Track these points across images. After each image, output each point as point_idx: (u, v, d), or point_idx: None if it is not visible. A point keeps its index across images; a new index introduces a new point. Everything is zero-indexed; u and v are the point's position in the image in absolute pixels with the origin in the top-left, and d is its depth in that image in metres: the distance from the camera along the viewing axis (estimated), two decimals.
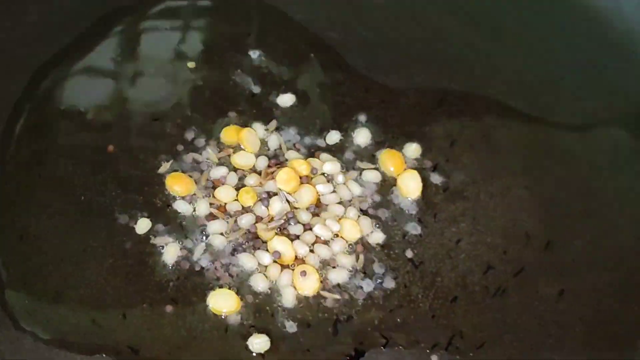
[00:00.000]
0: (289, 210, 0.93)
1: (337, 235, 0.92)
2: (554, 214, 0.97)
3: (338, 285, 0.90)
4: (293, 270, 0.89)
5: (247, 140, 0.97)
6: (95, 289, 0.87)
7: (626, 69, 1.10)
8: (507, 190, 0.98)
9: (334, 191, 0.96)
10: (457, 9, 1.12)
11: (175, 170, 0.95)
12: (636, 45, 1.11)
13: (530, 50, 1.10)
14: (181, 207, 0.93)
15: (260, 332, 0.85)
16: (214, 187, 0.94)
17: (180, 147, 0.98)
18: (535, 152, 1.02)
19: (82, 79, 1.05)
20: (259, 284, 0.88)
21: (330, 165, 0.97)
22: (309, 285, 0.88)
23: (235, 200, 0.93)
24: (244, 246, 0.90)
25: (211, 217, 0.92)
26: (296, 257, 0.90)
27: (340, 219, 0.93)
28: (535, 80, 1.08)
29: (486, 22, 1.12)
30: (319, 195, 0.95)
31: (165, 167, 0.95)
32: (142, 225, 0.91)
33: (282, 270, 0.89)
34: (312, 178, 0.96)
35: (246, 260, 0.89)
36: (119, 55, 1.07)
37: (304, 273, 0.88)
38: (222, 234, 0.91)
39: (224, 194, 0.93)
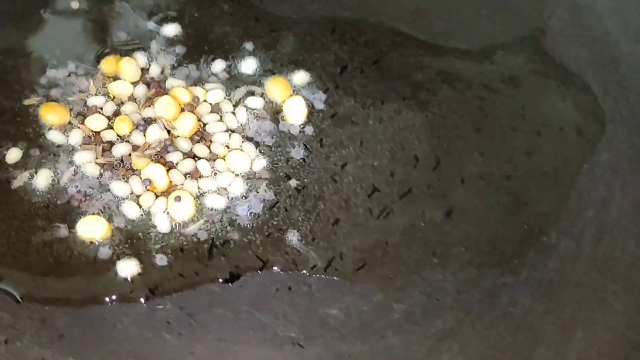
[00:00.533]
0: (167, 138, 0.90)
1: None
2: (444, 135, 0.95)
3: (213, 210, 0.87)
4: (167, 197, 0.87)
5: (126, 69, 0.94)
6: None
7: None
8: (397, 114, 0.96)
9: (220, 120, 0.93)
10: None
11: (53, 101, 0.92)
12: None
13: None
14: (54, 137, 0.90)
15: (131, 257, 0.83)
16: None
17: (57, 77, 0.94)
18: (428, 77, 1.00)
19: None
20: (130, 211, 0.86)
21: (214, 93, 0.94)
22: (184, 211, 0.86)
23: (110, 128, 0.90)
24: (116, 174, 0.87)
25: (83, 146, 0.89)
26: (172, 185, 0.88)
27: (228, 150, 0.91)
28: (429, 6, 1.06)
29: None
30: (203, 123, 0.92)
31: (32, 100, 0.92)
32: (13, 155, 0.88)
33: (156, 198, 0.87)
34: (195, 107, 0.93)
35: (118, 188, 0.87)
36: None
37: (178, 198, 0.86)
38: (94, 162, 0.88)
39: (96, 122, 0.90)
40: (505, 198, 0.91)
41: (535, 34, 1.05)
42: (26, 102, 0.92)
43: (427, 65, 1.01)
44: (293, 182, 0.90)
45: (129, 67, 0.94)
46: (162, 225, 0.85)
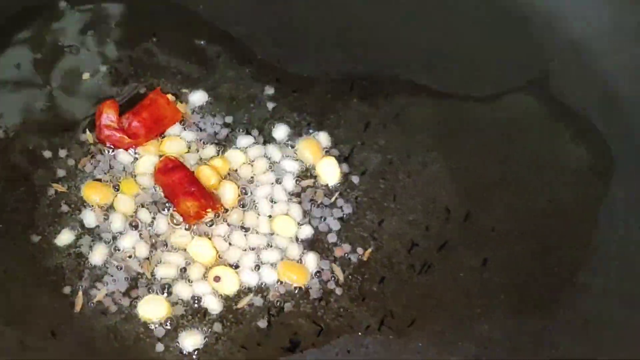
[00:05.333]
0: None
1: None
2: (470, 185, 1.00)
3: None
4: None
5: (168, 148, 0.97)
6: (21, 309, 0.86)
7: (525, 37, 1.13)
8: (424, 167, 1.00)
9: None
10: None
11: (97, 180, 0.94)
12: (533, 12, 1.14)
13: (432, 29, 1.11)
14: (88, 219, 0.91)
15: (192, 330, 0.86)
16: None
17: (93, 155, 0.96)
18: (447, 127, 1.04)
19: None
20: (184, 292, 0.88)
21: (255, 160, 0.98)
22: (229, 286, 0.89)
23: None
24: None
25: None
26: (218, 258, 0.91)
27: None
28: (440, 56, 1.10)
29: (389, 5, 1.12)
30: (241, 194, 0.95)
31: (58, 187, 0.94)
32: (64, 237, 0.90)
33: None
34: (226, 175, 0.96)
35: (165, 271, 0.89)
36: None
37: (217, 279, 0.88)
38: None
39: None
40: (533, 244, 0.96)
41: (541, 77, 1.10)
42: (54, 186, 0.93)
43: (445, 114, 1.05)
44: (335, 241, 0.94)
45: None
46: (213, 306, 0.88)
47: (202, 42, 1.06)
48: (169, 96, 0.98)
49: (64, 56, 1.03)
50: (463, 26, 1.12)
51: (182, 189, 0.91)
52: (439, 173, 1.00)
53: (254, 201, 0.95)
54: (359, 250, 0.94)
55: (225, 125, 1.00)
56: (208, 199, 0.91)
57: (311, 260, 0.92)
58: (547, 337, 0.91)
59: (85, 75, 1.02)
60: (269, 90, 1.04)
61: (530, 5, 1.13)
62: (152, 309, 0.86)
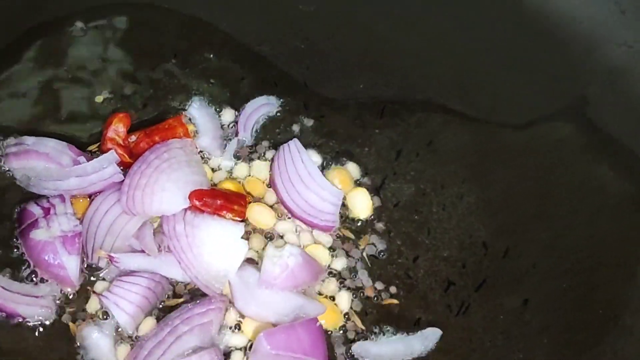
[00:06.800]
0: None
1: None
2: (508, 219, 0.95)
3: None
4: None
5: None
6: None
7: (560, 62, 1.08)
8: (459, 200, 0.95)
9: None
10: (390, 14, 1.07)
11: None
12: (567, 36, 1.09)
13: (465, 51, 1.06)
14: None
15: None
16: None
17: None
18: (482, 156, 0.99)
19: None
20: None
21: None
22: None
23: None
24: None
25: None
26: None
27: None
28: (472, 81, 1.04)
29: (420, 25, 1.07)
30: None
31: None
32: None
33: None
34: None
35: None
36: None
37: None
38: None
39: None
40: (576, 282, 0.91)
41: (578, 102, 1.05)
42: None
43: (479, 142, 1.00)
44: (368, 281, 0.88)
45: None
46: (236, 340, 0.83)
47: (224, 62, 1.01)
48: (191, 127, 0.93)
49: (77, 77, 0.97)
50: (497, 49, 1.07)
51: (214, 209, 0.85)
52: (475, 205, 0.95)
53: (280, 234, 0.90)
54: (392, 289, 0.88)
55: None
56: (235, 202, 0.86)
57: (344, 299, 0.86)
58: None
59: (99, 98, 0.96)
60: (295, 114, 0.98)
61: (568, 28, 1.08)
62: None
